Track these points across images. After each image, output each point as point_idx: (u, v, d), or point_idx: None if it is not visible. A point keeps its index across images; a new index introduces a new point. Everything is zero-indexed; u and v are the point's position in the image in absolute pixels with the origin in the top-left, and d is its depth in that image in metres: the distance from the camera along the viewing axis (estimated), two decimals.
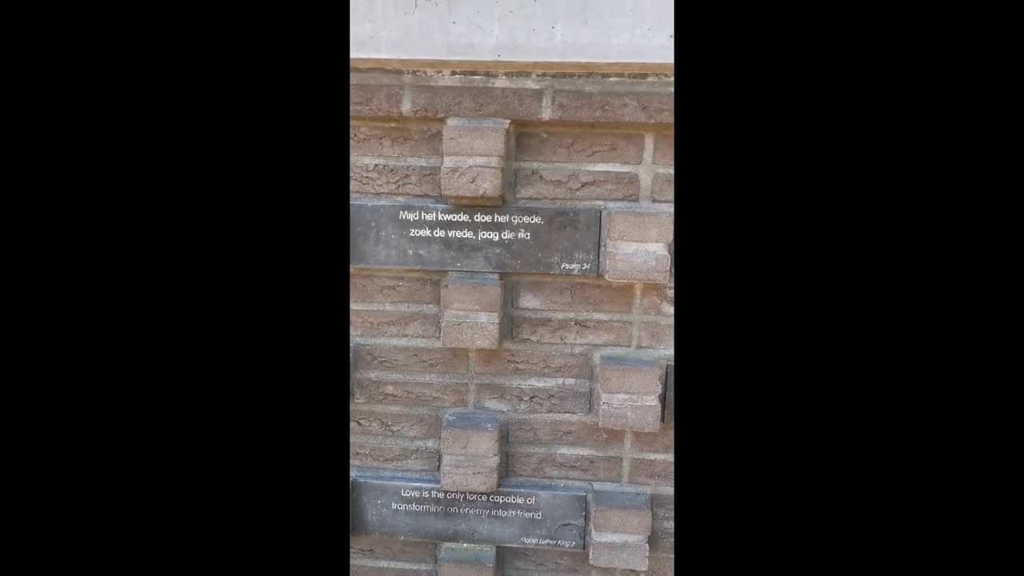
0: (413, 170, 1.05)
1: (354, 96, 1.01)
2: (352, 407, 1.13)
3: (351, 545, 1.18)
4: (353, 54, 0.97)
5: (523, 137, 1.03)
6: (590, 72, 0.98)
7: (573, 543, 1.12)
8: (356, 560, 1.19)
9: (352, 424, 1.14)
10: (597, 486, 1.12)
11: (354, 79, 1.01)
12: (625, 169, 1.03)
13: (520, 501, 1.12)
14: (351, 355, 1.11)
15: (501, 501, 1.12)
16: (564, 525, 1.12)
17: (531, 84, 0.99)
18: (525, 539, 1.13)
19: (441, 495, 1.12)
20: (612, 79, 0.98)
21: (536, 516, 1.12)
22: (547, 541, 1.13)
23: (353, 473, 1.15)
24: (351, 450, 1.15)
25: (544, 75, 0.99)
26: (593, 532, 1.09)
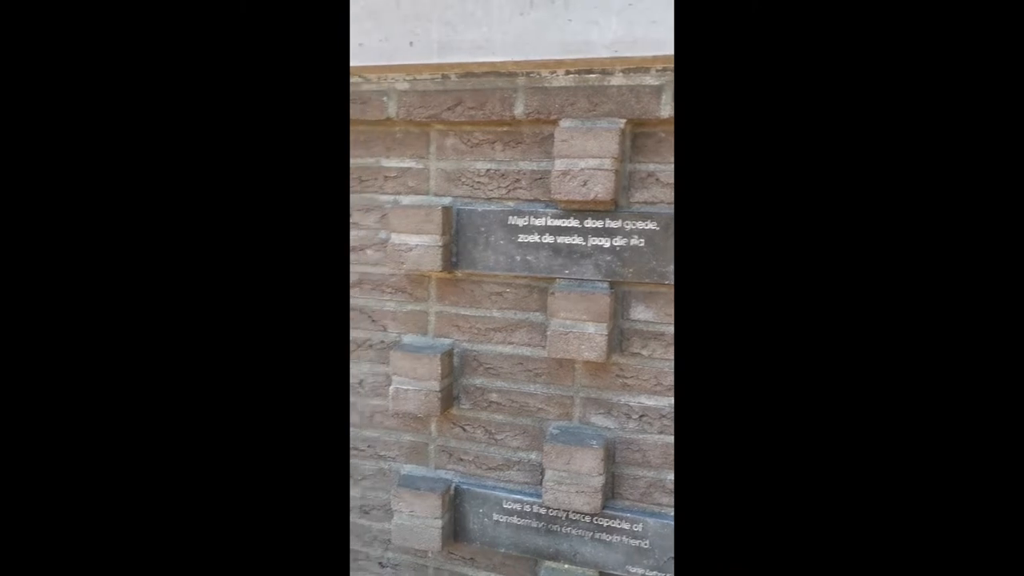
0: (524, 174, 1.03)
1: (468, 101, 1.01)
2: (457, 412, 1.13)
3: (452, 552, 1.18)
4: (468, 59, 0.97)
5: (639, 137, 0.97)
6: None
7: None
8: (457, 568, 1.18)
9: (457, 430, 1.13)
10: None
11: (468, 84, 1.01)
12: None
13: (626, 527, 1.04)
14: (458, 360, 1.11)
15: (606, 524, 1.05)
16: (674, 558, 1.03)
17: (650, 80, 0.93)
18: (631, 568, 1.05)
19: (543, 511, 1.08)
20: None
21: (643, 544, 1.04)
22: (655, 573, 1.04)
23: (457, 479, 1.14)
24: (455, 455, 1.14)
25: (664, 70, 0.92)
26: None
